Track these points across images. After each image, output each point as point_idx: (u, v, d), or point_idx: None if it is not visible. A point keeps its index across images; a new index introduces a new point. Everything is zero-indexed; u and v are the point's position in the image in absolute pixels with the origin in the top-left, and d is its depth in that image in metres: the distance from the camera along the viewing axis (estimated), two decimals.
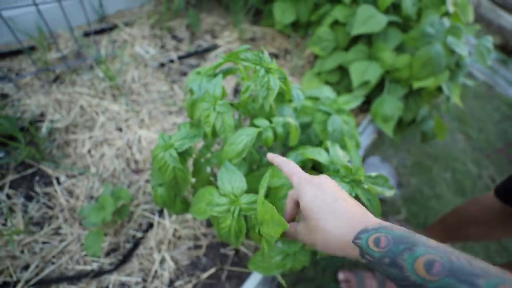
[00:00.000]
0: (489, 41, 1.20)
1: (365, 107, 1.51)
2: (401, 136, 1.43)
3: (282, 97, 0.83)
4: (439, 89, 1.30)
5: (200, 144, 1.16)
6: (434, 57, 1.13)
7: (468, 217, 1.07)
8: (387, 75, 1.29)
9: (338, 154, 0.68)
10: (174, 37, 1.52)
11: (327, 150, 0.71)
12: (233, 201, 0.53)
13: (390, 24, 1.24)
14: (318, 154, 0.65)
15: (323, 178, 0.39)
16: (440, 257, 0.28)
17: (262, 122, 0.63)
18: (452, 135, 2.16)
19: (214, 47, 1.53)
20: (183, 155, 0.63)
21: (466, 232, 1.08)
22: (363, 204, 0.52)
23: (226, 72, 0.75)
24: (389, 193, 0.63)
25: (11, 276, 0.79)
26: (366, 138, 1.34)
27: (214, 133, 0.66)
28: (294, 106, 0.87)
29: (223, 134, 0.60)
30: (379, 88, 1.33)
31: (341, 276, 1.38)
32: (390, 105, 1.26)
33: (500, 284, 0.25)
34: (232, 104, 0.64)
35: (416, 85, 1.21)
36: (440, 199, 1.78)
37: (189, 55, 1.46)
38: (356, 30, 1.22)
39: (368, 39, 1.33)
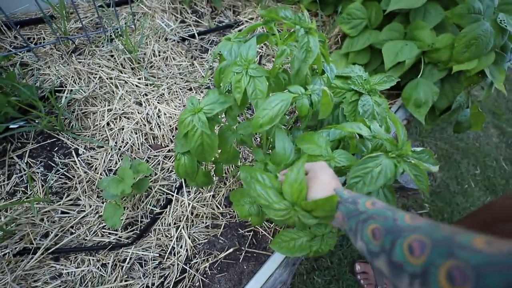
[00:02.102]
0: None
1: (394, 92, 1.42)
2: (432, 125, 1.33)
3: (312, 71, 0.76)
4: (480, 74, 1.18)
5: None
6: (481, 37, 1.02)
7: (504, 213, 0.98)
8: (423, 57, 1.19)
9: (379, 129, 0.62)
10: (195, 12, 1.45)
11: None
12: (291, 206, 0.51)
13: None
14: (358, 128, 0.59)
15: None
16: (382, 201, 0.42)
17: (297, 88, 0.58)
18: (485, 129, 2.02)
19: (235, 24, 1.46)
20: (211, 122, 0.59)
21: (501, 230, 1.00)
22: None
23: (259, 39, 0.69)
24: (434, 168, 0.58)
25: (31, 242, 0.79)
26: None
27: (244, 100, 0.62)
28: (326, 79, 0.80)
29: (254, 100, 0.56)
30: (412, 71, 1.23)
31: (358, 267, 1.33)
32: (425, 89, 1.16)
33: (407, 214, 0.36)
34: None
35: (457, 68, 1.10)
36: (468, 196, 1.68)
37: (209, 31, 1.40)
38: (393, 6, 1.12)
39: (404, 16, 1.22)
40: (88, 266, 0.80)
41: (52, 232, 0.82)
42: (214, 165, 0.88)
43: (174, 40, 1.29)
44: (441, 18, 1.12)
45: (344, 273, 1.32)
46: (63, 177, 0.92)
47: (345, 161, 0.61)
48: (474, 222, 1.11)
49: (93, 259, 0.81)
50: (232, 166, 1.04)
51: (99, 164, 0.96)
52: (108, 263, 0.82)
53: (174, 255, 0.87)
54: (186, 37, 1.32)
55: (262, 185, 0.49)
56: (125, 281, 0.81)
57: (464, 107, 1.29)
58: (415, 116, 1.18)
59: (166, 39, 1.28)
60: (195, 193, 0.97)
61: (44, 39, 1.17)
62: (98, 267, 0.81)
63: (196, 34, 1.34)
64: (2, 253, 0.76)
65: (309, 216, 0.48)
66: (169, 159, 1.03)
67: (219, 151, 0.74)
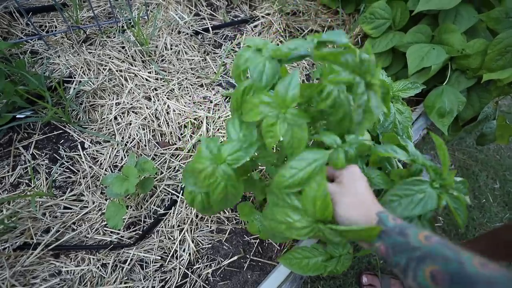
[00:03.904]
0: None
1: (414, 99, 1.34)
2: (454, 136, 1.25)
3: None
4: None
5: None
6: None
7: None
8: (450, 62, 1.11)
9: (417, 153, 0.55)
10: (210, 5, 1.40)
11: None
12: (315, 223, 0.44)
13: (464, 0, 1.04)
14: (394, 152, 0.51)
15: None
16: (437, 236, 0.35)
17: (332, 139, 0.46)
18: None
19: (251, 19, 1.40)
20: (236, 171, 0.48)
21: None
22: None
23: (298, 58, 0.50)
24: (468, 200, 0.51)
25: (32, 237, 0.77)
26: (415, 134, 1.18)
27: (277, 147, 0.52)
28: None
29: (290, 150, 0.44)
30: (436, 77, 1.16)
31: (364, 279, 1.28)
32: (450, 97, 1.08)
33: (474, 257, 0.30)
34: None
35: (487, 77, 1.02)
36: (485, 211, 1.59)
37: (224, 25, 1.35)
38: (422, 6, 1.04)
39: (433, 18, 1.14)
40: (88, 265, 0.78)
41: (53, 228, 0.80)
42: None
43: (187, 34, 1.24)
44: (474, 21, 1.04)
45: (350, 284, 1.27)
46: (67, 170, 0.90)
47: (382, 183, 0.53)
48: (492, 243, 1.04)
49: (93, 258, 0.79)
50: None
51: (104, 160, 0.93)
52: (109, 263, 0.79)
53: (176, 258, 0.84)
54: (200, 31, 1.27)
55: (282, 207, 0.43)
56: (125, 283, 0.78)
57: (490, 118, 1.20)
58: (438, 126, 1.11)
59: (179, 32, 1.24)
60: None
61: (55, 27, 1.14)
62: (98, 267, 0.78)
63: (210, 28, 1.29)
64: (2, 247, 0.74)
65: (337, 235, 0.41)
66: (176, 157, 0.99)
67: None
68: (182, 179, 0.80)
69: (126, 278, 0.79)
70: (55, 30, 1.13)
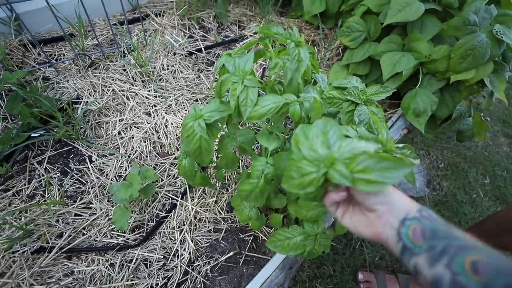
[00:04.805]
0: None
1: (395, 102, 1.44)
2: (433, 134, 1.34)
3: (305, 82, 0.82)
4: (480, 83, 1.20)
5: None
6: (477, 48, 1.04)
7: (508, 225, 0.98)
8: (421, 67, 1.21)
9: (365, 132, 0.65)
10: (202, 27, 1.54)
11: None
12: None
13: (428, 12, 1.16)
14: (345, 130, 0.63)
15: None
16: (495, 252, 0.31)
17: (290, 96, 0.62)
18: (494, 137, 1.99)
19: (240, 38, 1.54)
20: (212, 128, 0.65)
21: (508, 240, 0.99)
22: None
23: (256, 54, 0.74)
24: (416, 162, 0.61)
25: (47, 242, 0.86)
26: (394, 133, 1.27)
27: (239, 110, 0.67)
28: (319, 88, 0.86)
29: (244, 107, 0.60)
30: (411, 81, 1.26)
31: (360, 276, 1.33)
32: (423, 98, 1.18)
33: None
34: (260, 83, 0.64)
35: (454, 78, 1.12)
36: (476, 205, 1.65)
37: (215, 45, 1.48)
38: (390, 19, 1.16)
39: (402, 28, 1.26)
40: (97, 265, 0.86)
41: (66, 233, 0.88)
42: (216, 171, 0.93)
43: (182, 55, 1.37)
44: (437, 30, 1.15)
45: (347, 282, 1.32)
46: (77, 182, 1.00)
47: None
48: (481, 233, 1.10)
49: (102, 259, 0.87)
50: (234, 173, 1.09)
51: (110, 171, 1.03)
52: (116, 263, 0.87)
53: (178, 257, 0.92)
54: (193, 51, 1.40)
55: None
56: (131, 280, 0.86)
57: (465, 116, 1.29)
58: (414, 125, 1.20)
59: (174, 54, 1.37)
60: (198, 199, 1.02)
61: (64, 55, 1.27)
62: (107, 267, 0.86)
63: (202, 48, 1.42)
64: (22, 251, 0.83)
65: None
66: (175, 166, 1.09)
67: (220, 155, 0.80)
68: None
69: (132, 276, 0.87)
70: (64, 58, 1.26)
